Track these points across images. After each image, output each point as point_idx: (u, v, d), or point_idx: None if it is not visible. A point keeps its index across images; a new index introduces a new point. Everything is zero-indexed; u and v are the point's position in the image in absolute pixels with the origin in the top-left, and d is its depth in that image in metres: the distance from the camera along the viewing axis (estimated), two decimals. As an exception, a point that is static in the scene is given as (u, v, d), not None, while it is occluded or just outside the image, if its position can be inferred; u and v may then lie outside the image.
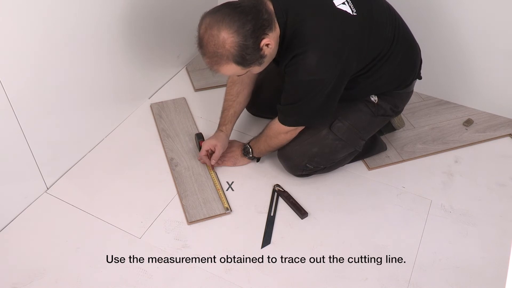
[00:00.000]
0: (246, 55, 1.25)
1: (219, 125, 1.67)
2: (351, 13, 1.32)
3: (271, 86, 1.75)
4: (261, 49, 1.27)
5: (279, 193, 1.58)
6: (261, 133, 1.59)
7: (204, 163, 1.66)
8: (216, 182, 1.60)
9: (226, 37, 1.22)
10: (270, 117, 1.82)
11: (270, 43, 1.27)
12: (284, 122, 1.48)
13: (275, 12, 1.29)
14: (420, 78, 1.59)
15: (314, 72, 1.32)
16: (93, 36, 1.53)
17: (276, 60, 1.41)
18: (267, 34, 1.26)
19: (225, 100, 1.67)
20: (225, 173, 1.65)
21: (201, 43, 1.29)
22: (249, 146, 1.63)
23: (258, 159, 1.67)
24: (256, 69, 1.36)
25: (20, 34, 1.28)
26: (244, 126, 1.84)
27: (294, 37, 1.31)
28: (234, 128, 1.70)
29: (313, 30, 1.30)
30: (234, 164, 1.66)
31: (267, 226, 1.49)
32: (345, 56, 1.31)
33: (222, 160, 1.65)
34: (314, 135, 1.52)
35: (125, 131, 1.81)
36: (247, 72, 1.34)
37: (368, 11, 1.35)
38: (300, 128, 1.51)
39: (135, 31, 1.72)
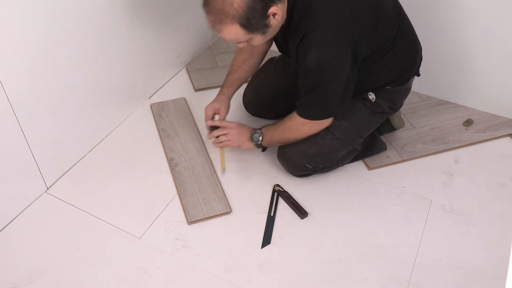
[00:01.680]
0: (252, 19, 1.21)
1: (222, 87, 1.65)
2: None
3: (270, 85, 1.75)
4: (268, 16, 1.23)
5: (279, 193, 1.58)
6: (279, 123, 1.52)
7: (212, 136, 1.59)
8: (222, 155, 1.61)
9: None
10: (269, 117, 1.82)
11: (277, 13, 1.24)
12: (305, 115, 1.43)
13: None
14: (418, 75, 1.59)
15: (327, 49, 1.28)
16: (93, 36, 1.53)
17: (286, 41, 1.37)
18: (276, 4, 1.23)
19: (231, 65, 1.66)
20: (225, 173, 1.65)
21: (208, 0, 1.23)
22: (261, 132, 1.55)
23: (264, 149, 1.60)
24: (258, 39, 1.30)
25: (20, 34, 1.28)
26: None
27: (304, 13, 1.28)
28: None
29: (324, 6, 1.27)
30: (239, 146, 1.58)
31: (267, 226, 1.49)
32: (357, 34, 1.29)
33: (228, 138, 1.56)
34: (313, 135, 1.52)
35: (125, 131, 1.81)
36: (248, 39, 1.29)
37: None
38: (323, 123, 1.46)
39: (135, 31, 1.72)
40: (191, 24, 2.08)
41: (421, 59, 1.58)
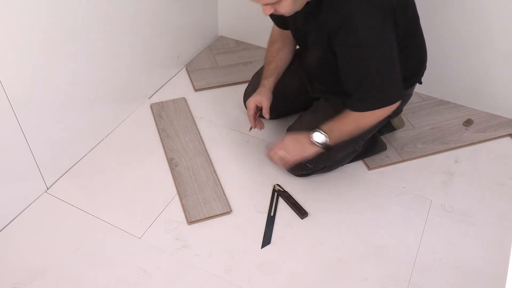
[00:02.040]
0: None
1: (261, 79, 1.63)
2: None
3: (275, 89, 1.74)
4: None
5: (279, 193, 1.58)
6: (342, 116, 1.38)
7: (256, 127, 1.59)
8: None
9: None
10: (269, 117, 1.81)
11: None
12: (364, 107, 1.33)
13: None
14: (420, 82, 1.59)
15: (371, 29, 1.22)
16: (93, 36, 1.53)
17: (316, 20, 1.30)
18: None
19: (266, 58, 1.64)
20: (225, 173, 1.65)
21: None
22: (322, 131, 1.39)
23: (330, 149, 1.42)
24: (286, 4, 1.21)
25: (20, 34, 1.27)
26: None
27: None
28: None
29: None
30: (302, 154, 1.43)
31: (267, 226, 1.49)
32: (394, 9, 1.24)
33: (288, 152, 1.43)
34: None
35: (125, 131, 1.81)
36: (276, 2, 1.20)
37: None
38: (393, 106, 1.33)
39: (135, 31, 1.72)
40: (191, 24, 2.09)
41: (425, 68, 1.57)
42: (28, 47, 1.32)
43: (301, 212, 1.51)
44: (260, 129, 1.64)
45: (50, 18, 1.35)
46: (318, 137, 1.39)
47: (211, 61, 2.18)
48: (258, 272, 1.37)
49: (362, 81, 1.30)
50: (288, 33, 1.58)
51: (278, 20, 1.58)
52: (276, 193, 1.58)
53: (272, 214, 1.52)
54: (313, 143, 1.40)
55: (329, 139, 1.39)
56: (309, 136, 1.40)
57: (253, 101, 1.58)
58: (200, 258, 1.40)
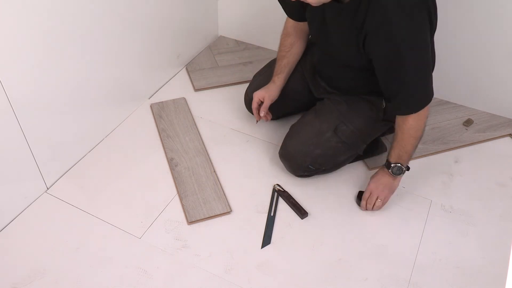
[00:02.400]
0: None
1: (273, 75, 1.63)
2: None
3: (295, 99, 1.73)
4: None
5: (279, 193, 1.58)
6: (397, 139, 1.41)
7: (260, 118, 1.63)
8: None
9: None
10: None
11: None
12: (410, 110, 1.33)
13: None
14: None
15: (414, 31, 1.21)
16: (93, 35, 1.53)
17: (352, 19, 1.27)
18: None
19: (279, 51, 1.63)
20: (225, 173, 1.65)
21: None
22: (395, 163, 1.44)
23: (408, 168, 1.49)
24: None
25: (20, 34, 1.27)
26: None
27: None
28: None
29: None
30: (393, 193, 1.52)
31: (267, 226, 1.49)
32: (431, 12, 1.24)
33: (381, 199, 1.49)
34: (318, 137, 1.52)
35: (125, 131, 1.81)
36: None
37: None
38: (427, 108, 1.35)
39: (135, 31, 1.72)
40: (191, 24, 2.09)
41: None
42: (29, 47, 1.32)
43: (301, 212, 1.51)
44: (266, 120, 1.67)
45: (51, 19, 1.35)
46: (397, 170, 1.46)
47: (211, 61, 2.18)
48: (258, 272, 1.37)
49: (405, 84, 1.30)
50: (303, 25, 1.55)
51: (294, 12, 1.53)
52: (276, 193, 1.58)
53: (272, 214, 1.52)
54: (396, 177, 1.48)
55: (403, 164, 1.45)
56: (389, 174, 1.47)
57: (257, 94, 1.61)
58: (200, 258, 1.40)
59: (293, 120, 1.68)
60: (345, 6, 1.26)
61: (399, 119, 1.39)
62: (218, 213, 1.51)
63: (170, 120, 1.85)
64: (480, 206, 1.58)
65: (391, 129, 1.73)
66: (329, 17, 1.35)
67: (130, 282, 1.33)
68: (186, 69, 2.13)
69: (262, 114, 1.63)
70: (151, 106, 1.91)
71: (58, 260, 1.37)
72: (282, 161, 1.61)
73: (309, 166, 1.55)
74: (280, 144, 1.63)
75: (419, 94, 1.33)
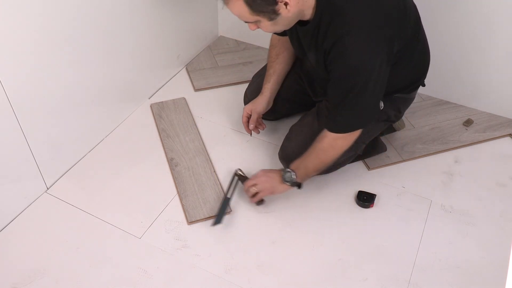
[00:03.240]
0: None
1: (262, 86, 1.66)
2: None
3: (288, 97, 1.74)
4: (277, 3, 1.17)
5: (240, 178, 1.57)
6: (307, 152, 1.43)
7: (250, 131, 1.63)
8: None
9: None
10: (269, 118, 1.81)
11: (289, 3, 1.17)
12: (339, 128, 1.35)
13: None
14: (424, 85, 1.59)
15: (364, 53, 1.23)
16: (93, 35, 1.53)
17: (311, 42, 1.32)
18: None
19: (267, 63, 1.67)
20: (225, 173, 1.65)
21: None
22: (291, 170, 1.44)
23: (299, 186, 1.46)
24: (266, 25, 1.24)
25: (20, 34, 1.27)
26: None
27: (336, 15, 1.23)
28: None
29: (358, 9, 1.22)
30: (272, 193, 1.48)
31: (221, 207, 1.49)
32: (388, 38, 1.25)
33: (259, 189, 1.47)
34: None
35: (125, 131, 1.81)
36: (256, 21, 1.23)
37: None
38: (356, 134, 1.37)
39: (135, 31, 1.72)
40: (191, 24, 2.09)
41: (428, 70, 1.57)
42: (28, 47, 1.32)
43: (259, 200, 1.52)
44: (258, 133, 1.68)
45: (51, 18, 1.35)
46: (288, 177, 1.43)
47: (211, 61, 2.18)
48: (258, 272, 1.37)
49: (340, 103, 1.32)
50: (287, 38, 1.57)
51: None
52: (236, 177, 1.57)
53: (228, 196, 1.52)
54: (284, 182, 1.44)
55: (298, 176, 1.43)
56: (280, 175, 1.45)
57: (247, 109, 1.63)
58: (200, 258, 1.40)
59: (294, 120, 1.68)
60: (309, 28, 1.30)
61: (323, 136, 1.39)
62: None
63: (170, 120, 1.85)
64: (480, 206, 1.58)
65: (391, 129, 1.74)
66: (301, 37, 1.39)
67: (130, 282, 1.33)
68: (186, 69, 2.13)
69: (251, 127, 1.62)
70: (151, 106, 1.91)
71: (58, 260, 1.37)
72: (281, 162, 1.61)
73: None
74: (280, 145, 1.63)
75: (348, 117, 1.34)
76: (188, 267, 1.37)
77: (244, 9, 1.19)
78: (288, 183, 1.44)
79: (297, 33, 1.38)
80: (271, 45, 1.66)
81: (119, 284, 1.32)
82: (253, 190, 1.47)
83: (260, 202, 1.53)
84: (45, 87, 1.42)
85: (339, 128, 1.36)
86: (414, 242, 1.46)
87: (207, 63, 2.16)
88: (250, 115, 1.64)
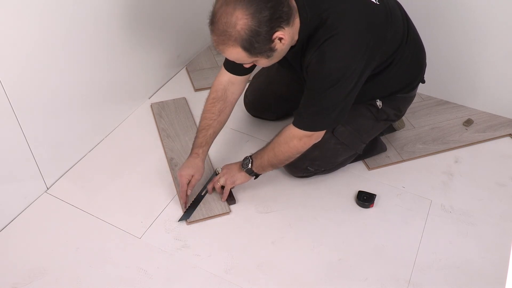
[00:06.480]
0: (255, 43, 1.15)
1: (194, 146, 1.52)
2: (375, 1, 1.27)
3: (272, 89, 1.73)
4: (273, 41, 1.17)
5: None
6: (268, 143, 1.44)
7: (186, 200, 1.51)
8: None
9: (240, 18, 1.12)
10: (270, 118, 1.81)
11: (284, 37, 1.18)
12: (300, 124, 1.35)
13: (298, 7, 1.22)
14: (423, 81, 1.59)
15: (341, 58, 1.24)
16: (93, 36, 1.53)
17: (301, 56, 1.33)
18: (283, 28, 1.17)
19: (204, 119, 1.51)
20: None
21: (213, 19, 1.17)
22: (250, 157, 1.45)
23: (256, 176, 1.49)
24: (263, 62, 1.25)
25: (19, 34, 1.28)
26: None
27: (319, 27, 1.23)
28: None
29: (340, 18, 1.23)
30: (234, 182, 1.48)
31: (193, 203, 1.50)
32: (370, 45, 1.25)
33: (222, 182, 1.49)
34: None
35: (125, 131, 1.81)
36: (253, 61, 1.24)
37: (386, 3, 1.31)
38: (314, 137, 1.38)
39: (135, 31, 1.72)
40: (191, 24, 2.08)
41: (426, 65, 1.57)
42: (28, 47, 1.32)
43: (230, 198, 1.53)
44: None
45: (51, 18, 1.35)
46: (244, 162, 1.46)
47: (211, 61, 2.18)
48: (258, 272, 1.37)
49: (310, 100, 1.32)
50: (239, 81, 1.49)
51: (236, 65, 1.38)
52: (216, 176, 1.56)
53: (202, 194, 1.52)
54: (242, 169, 1.46)
55: (254, 164, 1.45)
56: (241, 163, 1.47)
57: (185, 176, 1.48)
58: (200, 258, 1.40)
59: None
60: (297, 49, 1.30)
61: (284, 130, 1.39)
62: (218, 213, 1.51)
63: (170, 120, 1.85)
64: (480, 206, 1.58)
65: (391, 128, 1.74)
66: (290, 59, 1.38)
67: (130, 282, 1.33)
68: (186, 69, 2.13)
69: (189, 192, 1.50)
70: (151, 106, 1.91)
71: (58, 260, 1.37)
72: None
73: (308, 167, 1.55)
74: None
75: (314, 115, 1.34)
76: (188, 267, 1.37)
77: (242, 54, 1.19)
78: (244, 171, 1.46)
79: (285, 57, 1.34)
80: (214, 97, 1.50)
81: (119, 284, 1.32)
82: (217, 185, 1.50)
83: (232, 201, 1.52)
84: (45, 87, 1.42)
85: (303, 125, 1.35)
86: (414, 242, 1.46)
87: (207, 63, 2.16)
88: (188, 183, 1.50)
